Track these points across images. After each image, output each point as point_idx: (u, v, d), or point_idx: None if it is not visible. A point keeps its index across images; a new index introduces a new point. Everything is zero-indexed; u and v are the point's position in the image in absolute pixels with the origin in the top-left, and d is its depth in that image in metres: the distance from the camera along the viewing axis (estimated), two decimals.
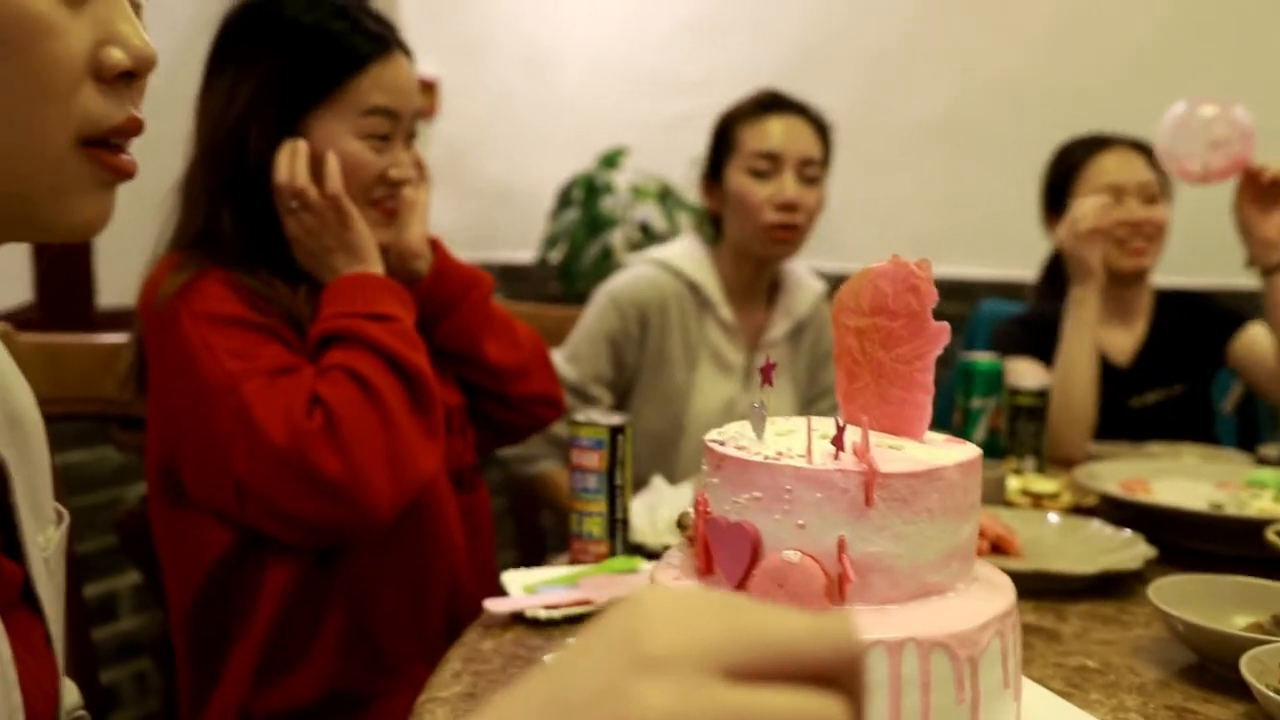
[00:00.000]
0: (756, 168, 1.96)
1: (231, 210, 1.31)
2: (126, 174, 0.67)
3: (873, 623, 0.69)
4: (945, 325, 0.77)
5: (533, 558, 2.17)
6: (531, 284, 3.43)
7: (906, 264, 0.79)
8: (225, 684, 1.26)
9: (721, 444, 0.77)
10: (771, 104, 1.99)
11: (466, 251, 3.09)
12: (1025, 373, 2.07)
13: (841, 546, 0.70)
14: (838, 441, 0.72)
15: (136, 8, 0.67)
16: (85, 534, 2.00)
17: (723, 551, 0.74)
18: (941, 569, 0.73)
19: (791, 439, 0.77)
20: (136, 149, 0.69)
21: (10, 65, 0.60)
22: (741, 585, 0.73)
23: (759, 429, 0.77)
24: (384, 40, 1.34)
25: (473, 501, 1.44)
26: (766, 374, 0.80)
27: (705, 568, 0.77)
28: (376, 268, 1.32)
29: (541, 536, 2.22)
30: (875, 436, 0.76)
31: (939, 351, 0.77)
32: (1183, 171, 1.87)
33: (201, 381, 1.20)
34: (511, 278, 3.37)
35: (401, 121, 1.35)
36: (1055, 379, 1.92)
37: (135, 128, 0.66)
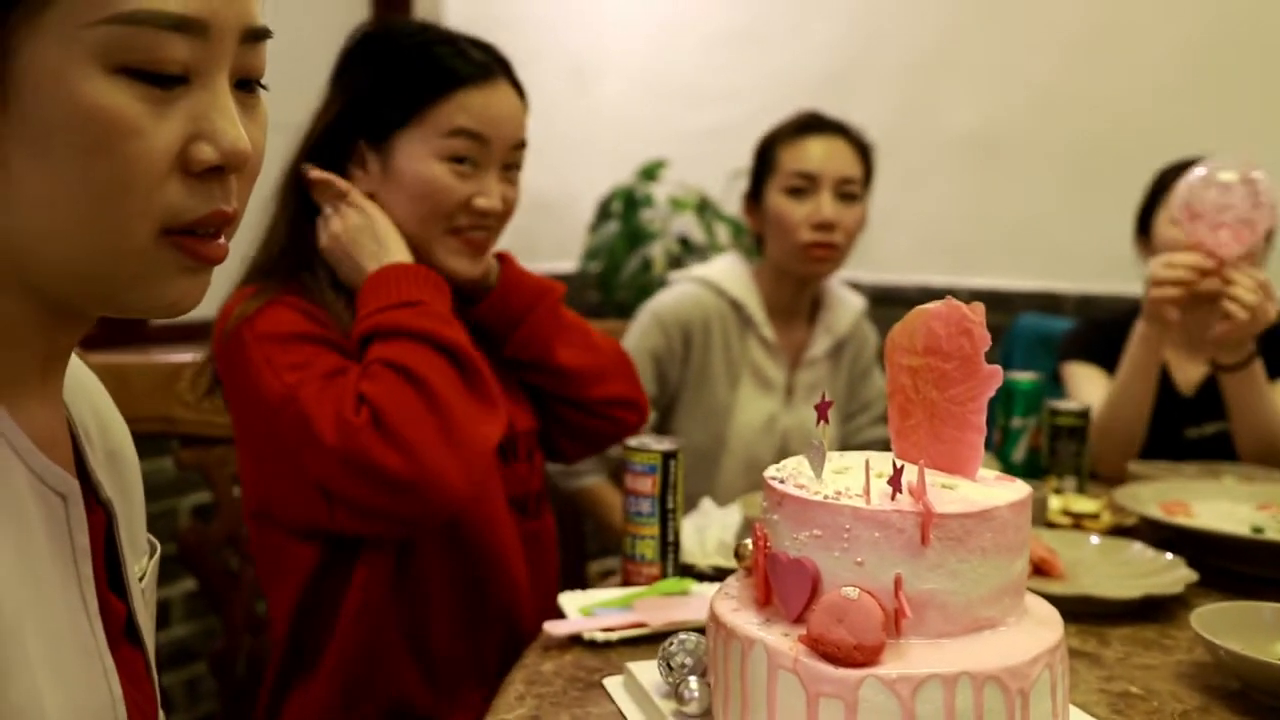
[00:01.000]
0: (794, 187, 1.99)
1: (310, 228, 1.35)
2: (212, 261, 0.68)
3: (928, 657, 0.73)
4: (998, 369, 0.80)
5: (575, 565, 2.21)
6: (570, 295, 3.45)
7: (960, 307, 0.82)
8: (298, 697, 1.31)
9: (781, 482, 0.80)
10: (811, 124, 2.02)
11: None
12: (1083, 379, 2.08)
13: (898, 583, 0.74)
14: (894, 482, 0.75)
15: (263, 36, 0.68)
16: None
17: (783, 586, 0.78)
18: (994, 604, 0.77)
19: (849, 477, 0.80)
20: None
21: (94, 163, 0.62)
22: (800, 619, 0.76)
23: (818, 468, 0.80)
24: (484, 66, 1.34)
25: (538, 528, 1.44)
26: (823, 412, 0.83)
27: (764, 599, 0.81)
28: (401, 256, 1.32)
29: (583, 548, 2.26)
30: (930, 475, 0.79)
31: (991, 394, 0.80)
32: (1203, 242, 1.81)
33: (266, 399, 1.22)
34: None
35: (491, 148, 1.34)
36: (1105, 404, 1.91)
37: (221, 220, 0.67)
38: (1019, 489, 0.80)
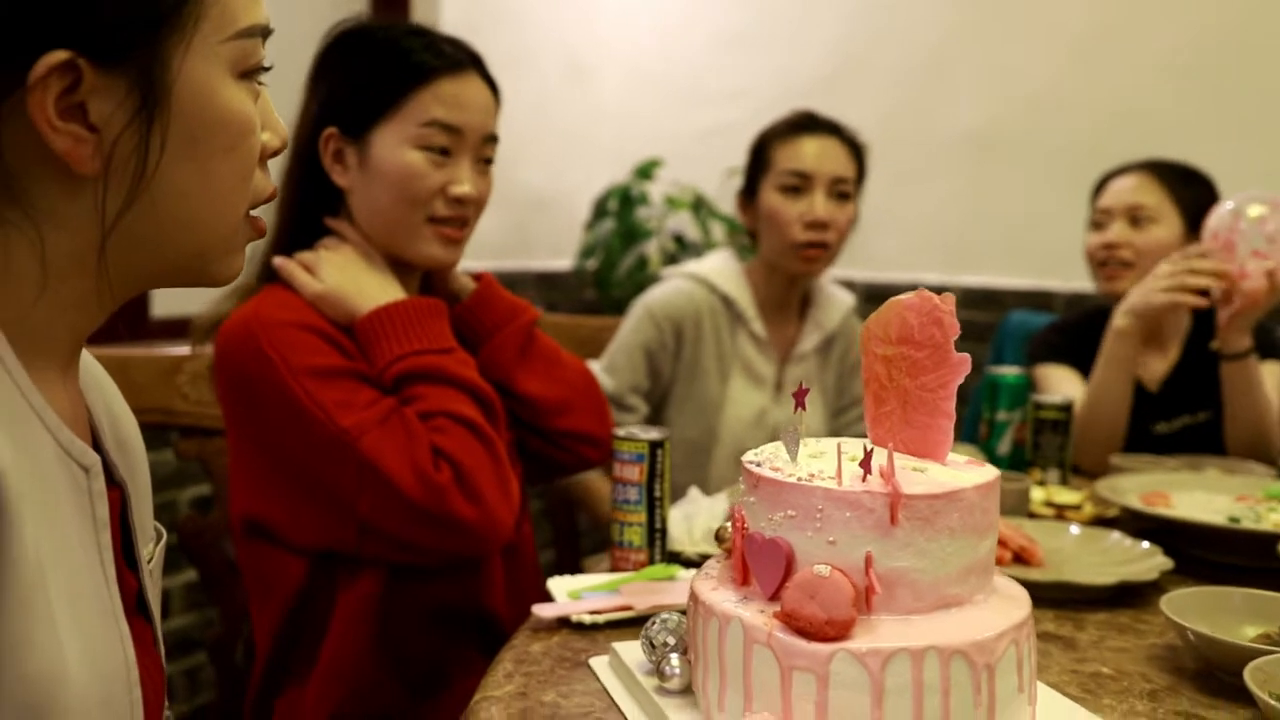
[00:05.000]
0: (788, 185, 2.02)
1: (306, 223, 1.38)
2: (263, 233, 0.81)
3: (897, 632, 0.75)
4: (966, 357, 0.83)
5: (568, 559, 2.24)
6: (566, 292, 3.50)
7: (931, 297, 0.85)
8: (283, 708, 1.34)
9: (758, 465, 0.83)
10: (805, 124, 2.05)
11: (503, 260, 3.19)
12: (1057, 381, 2.11)
13: (868, 562, 0.76)
14: (865, 464, 0.78)
15: (267, 34, 0.76)
16: None
17: (759, 565, 0.81)
18: (961, 582, 0.79)
19: (823, 461, 0.83)
20: None
21: (232, 157, 0.73)
22: (775, 596, 0.79)
23: (793, 451, 0.83)
24: (455, 59, 1.37)
25: (516, 536, 1.45)
26: (800, 399, 0.86)
27: (742, 579, 0.84)
28: (399, 291, 1.36)
29: (576, 539, 2.29)
30: (900, 459, 0.83)
31: (960, 381, 0.83)
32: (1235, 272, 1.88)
33: (316, 440, 1.24)
34: (547, 286, 3.44)
35: (465, 139, 1.37)
36: (1085, 402, 1.95)
37: (274, 195, 0.81)
38: (987, 472, 0.83)
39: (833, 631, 0.74)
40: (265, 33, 0.75)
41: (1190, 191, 2.12)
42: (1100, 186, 2.21)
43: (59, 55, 0.65)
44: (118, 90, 0.68)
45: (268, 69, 0.76)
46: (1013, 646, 0.78)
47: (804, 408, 0.86)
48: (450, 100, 1.35)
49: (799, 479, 0.79)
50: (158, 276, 0.76)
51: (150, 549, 0.86)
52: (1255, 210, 1.85)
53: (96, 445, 0.79)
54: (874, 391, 0.90)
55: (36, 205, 0.69)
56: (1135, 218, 2.11)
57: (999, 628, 0.77)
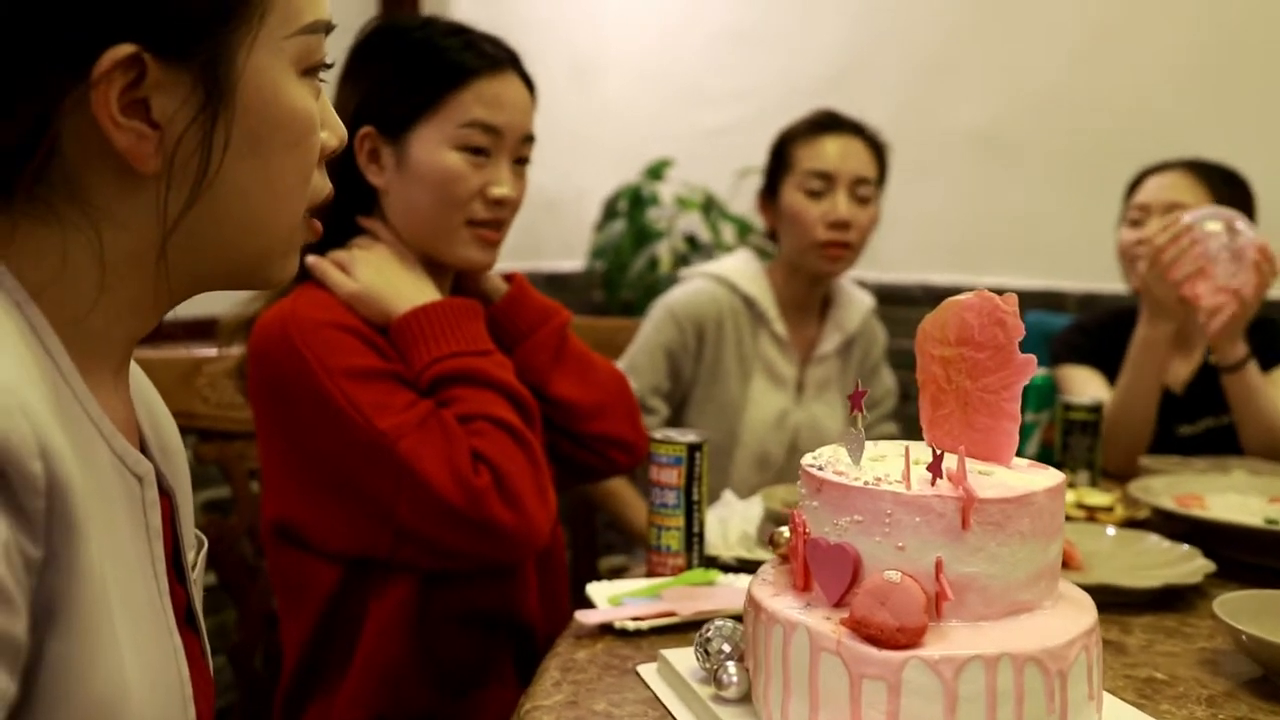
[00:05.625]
0: (810, 186, 2.01)
1: (339, 222, 1.35)
2: (319, 236, 0.78)
3: (970, 639, 0.74)
4: (1032, 358, 0.82)
5: (586, 561, 2.22)
6: (576, 293, 3.48)
7: (992, 297, 0.83)
8: (316, 714, 1.32)
9: (820, 469, 0.82)
10: (827, 123, 2.04)
11: (513, 261, 3.15)
12: (1081, 382, 2.10)
13: (939, 567, 0.75)
14: (935, 468, 0.77)
15: (330, 29, 0.75)
16: None
17: (823, 571, 0.79)
18: (1031, 587, 0.78)
19: (887, 464, 0.82)
20: None
21: (295, 155, 0.72)
22: (840, 603, 0.78)
23: (856, 455, 0.82)
24: (495, 59, 1.35)
25: (549, 542, 1.42)
26: (856, 401, 0.85)
27: (803, 585, 0.82)
28: (434, 292, 1.34)
29: (594, 541, 2.27)
30: (966, 462, 0.81)
31: (1026, 381, 0.82)
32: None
33: (352, 442, 1.22)
34: (557, 287, 3.43)
35: (504, 140, 1.35)
36: (1112, 406, 1.93)
37: (333, 197, 0.79)
38: (1053, 475, 0.82)
39: (904, 639, 0.73)
40: (328, 28, 0.73)
41: (1231, 192, 2.09)
42: (1137, 183, 2.18)
43: (125, 49, 0.63)
44: (182, 86, 0.66)
45: (329, 66, 0.75)
46: (1083, 653, 0.77)
47: (861, 410, 0.85)
48: (491, 100, 1.34)
49: (865, 483, 0.77)
50: (216, 278, 0.74)
51: (193, 557, 0.84)
52: (1213, 225, 1.83)
53: (144, 452, 0.77)
54: (931, 394, 0.88)
55: (95, 204, 0.67)
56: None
57: (1070, 634, 0.76)
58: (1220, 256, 1.80)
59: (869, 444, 0.87)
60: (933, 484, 0.77)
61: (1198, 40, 2.98)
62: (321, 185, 0.76)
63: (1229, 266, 1.81)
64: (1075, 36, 3.12)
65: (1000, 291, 0.84)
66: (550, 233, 3.44)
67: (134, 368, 0.83)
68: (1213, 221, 1.82)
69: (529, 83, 1.41)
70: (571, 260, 3.50)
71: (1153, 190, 2.11)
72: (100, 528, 0.63)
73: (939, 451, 0.78)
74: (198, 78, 0.66)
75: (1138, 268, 1.97)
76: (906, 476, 0.77)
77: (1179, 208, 2.05)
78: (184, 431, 1.70)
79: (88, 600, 0.61)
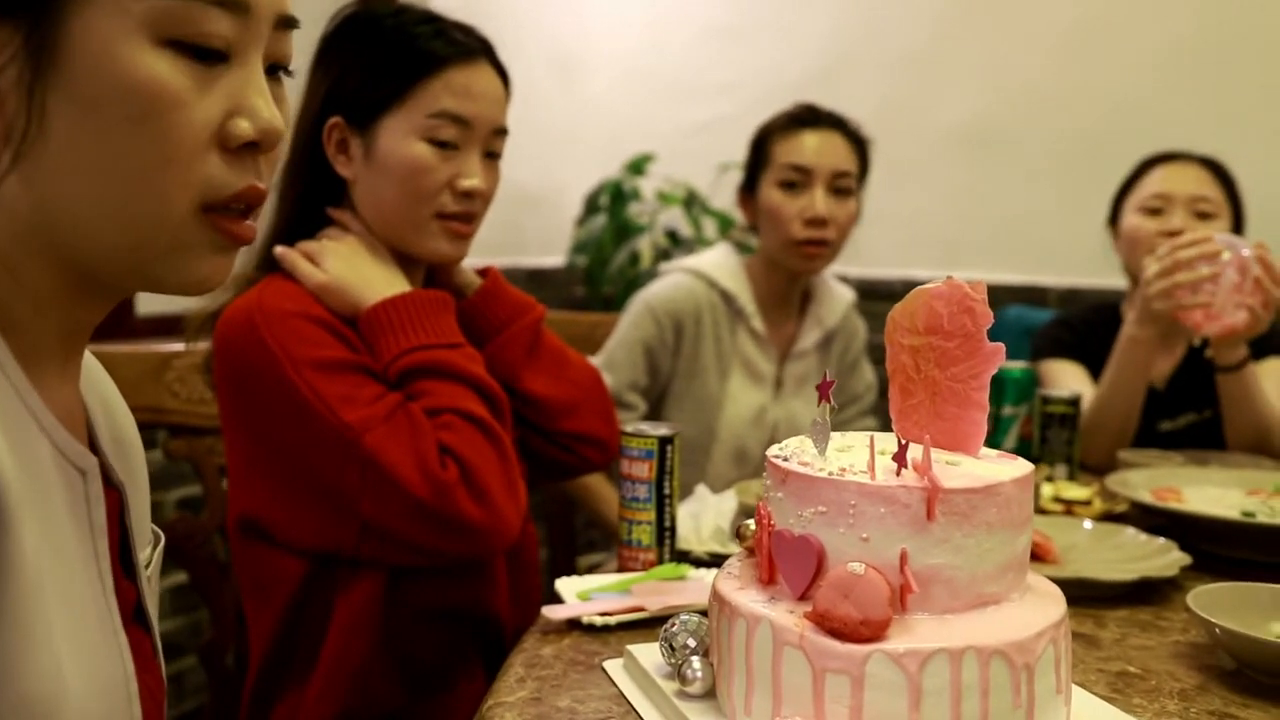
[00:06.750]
0: (787, 180, 1.98)
1: (308, 213, 1.34)
2: (243, 240, 0.70)
3: (934, 632, 0.73)
4: (1001, 346, 0.80)
5: (564, 558, 2.21)
6: (557, 289, 3.46)
7: (961, 285, 0.82)
8: (284, 712, 1.30)
9: (785, 459, 0.80)
10: (806, 117, 2.01)
11: (494, 257, 3.14)
12: (1063, 377, 2.09)
13: (904, 559, 0.73)
14: (899, 458, 0.75)
15: (293, 25, 0.71)
16: None
17: (787, 563, 0.78)
18: (998, 579, 0.77)
19: (853, 455, 0.80)
20: None
21: (140, 132, 0.63)
22: (804, 596, 0.76)
23: (821, 445, 0.80)
24: (466, 48, 1.33)
25: (521, 537, 1.40)
26: (824, 392, 0.83)
27: (767, 578, 0.81)
28: (404, 283, 1.32)
29: (573, 538, 2.26)
30: (932, 453, 0.80)
31: (994, 371, 0.81)
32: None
33: (318, 435, 1.20)
34: (538, 282, 3.41)
35: (474, 131, 1.33)
36: (1096, 403, 1.92)
37: (255, 196, 0.69)
38: (1022, 465, 0.80)
39: (868, 632, 0.71)
40: (221, 1, 0.65)
41: (1237, 197, 2.09)
42: (1144, 170, 2.13)
43: None
44: (11, 45, 0.62)
45: (223, 55, 0.66)
46: (1051, 646, 0.75)
47: (829, 400, 0.83)
48: (461, 90, 1.31)
49: (830, 473, 0.76)
50: (111, 271, 0.68)
51: (147, 553, 0.82)
52: (1228, 255, 1.81)
53: (93, 446, 0.75)
54: (900, 383, 0.87)
55: None
56: (1201, 212, 2.03)
57: (1038, 626, 0.75)
58: (1224, 288, 1.79)
59: (836, 435, 0.86)
60: (898, 474, 0.75)
61: (1181, 36, 2.97)
62: (220, 177, 0.67)
63: (1232, 297, 1.79)
64: (1059, 33, 3.12)
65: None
66: (532, 228, 3.42)
67: (90, 361, 0.81)
68: (1229, 251, 1.81)
69: (502, 73, 1.38)
70: (553, 256, 3.48)
71: (1175, 180, 2.06)
72: (35, 521, 0.61)
73: (904, 441, 0.76)
74: (26, 35, 0.62)
75: (1145, 264, 1.89)
76: (871, 467, 0.76)
77: (1205, 203, 2.03)
78: (154, 427, 1.69)
79: (20, 595, 0.59)
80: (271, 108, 0.68)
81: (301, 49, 1.43)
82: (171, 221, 0.66)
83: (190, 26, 0.64)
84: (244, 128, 0.67)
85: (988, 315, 0.80)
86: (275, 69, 0.72)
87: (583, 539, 2.39)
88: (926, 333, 0.84)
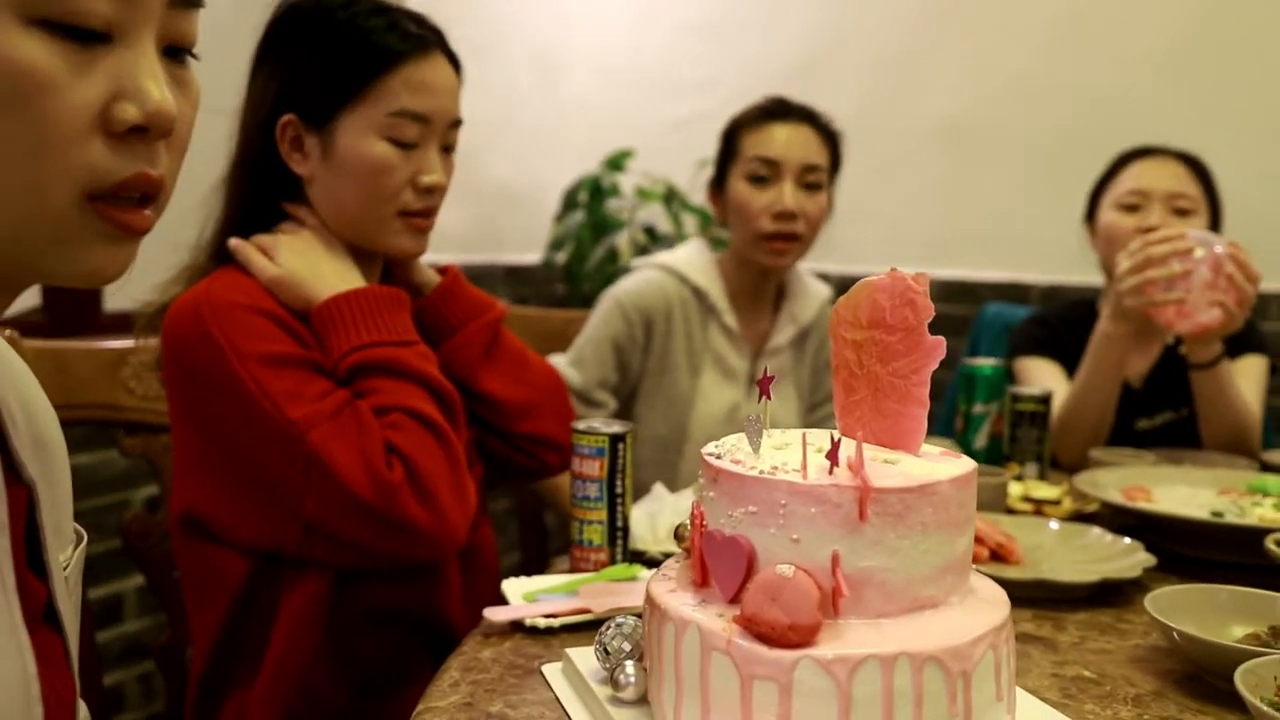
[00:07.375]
0: (756, 173, 1.95)
1: (261, 213, 1.31)
2: (134, 230, 0.65)
3: (866, 637, 0.70)
4: (941, 340, 0.77)
5: (535, 560, 2.17)
6: (535, 286, 3.43)
7: (904, 278, 0.79)
8: (231, 710, 1.27)
9: (718, 457, 0.77)
10: (776, 110, 1.98)
11: (472, 254, 3.12)
12: (1039, 374, 2.06)
13: (835, 561, 0.71)
14: (832, 456, 0.72)
15: (194, 4, 0.66)
16: (91, 537, 2.00)
17: (718, 565, 0.75)
18: (935, 583, 0.74)
19: (788, 453, 0.77)
20: None
21: (8, 119, 0.59)
22: (736, 599, 0.73)
23: (755, 443, 0.78)
24: (421, 40, 1.30)
25: (474, 540, 1.38)
26: (764, 387, 0.81)
27: (701, 580, 0.78)
28: (358, 279, 1.30)
29: (545, 540, 2.23)
30: (871, 450, 0.77)
31: (935, 366, 0.78)
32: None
33: (263, 431, 1.17)
34: (517, 279, 3.38)
35: (433, 126, 1.31)
36: (1071, 401, 1.90)
37: (148, 184, 0.64)
38: (963, 464, 0.77)
39: (796, 637, 0.69)
40: None
41: (1215, 193, 2.06)
42: (1121, 166, 2.10)
43: None
44: None
45: (104, 36, 0.62)
46: (990, 651, 0.73)
47: (769, 396, 0.81)
48: (419, 86, 1.29)
49: (761, 472, 0.73)
50: (2, 264, 0.63)
51: (68, 554, 0.79)
52: (1201, 252, 1.78)
53: (4, 441, 0.72)
54: (844, 379, 0.84)
55: None
56: (1179, 208, 2.00)
57: (975, 631, 0.72)
58: (1196, 285, 1.77)
59: (776, 433, 0.83)
60: (830, 472, 0.72)
61: (1162, 32, 2.96)
62: (103, 164, 0.62)
63: (1205, 295, 1.77)
64: (1040, 29, 3.10)
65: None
66: (510, 225, 3.39)
67: (11, 357, 0.78)
68: (1202, 249, 1.78)
69: (455, 62, 1.36)
70: (532, 253, 3.45)
71: (1153, 176, 2.04)
72: None
73: (837, 438, 0.73)
74: None
75: (1118, 260, 1.86)
76: (804, 465, 0.73)
77: (1184, 199, 2.00)
78: (110, 425, 1.66)
79: None
80: (163, 90, 0.63)
81: (243, 35, 1.39)
82: (51, 211, 0.61)
83: (62, 5, 0.60)
84: (129, 111, 0.62)
85: (929, 308, 0.77)
86: (178, 51, 0.67)
87: (556, 541, 2.36)
88: (869, 326, 0.81)
